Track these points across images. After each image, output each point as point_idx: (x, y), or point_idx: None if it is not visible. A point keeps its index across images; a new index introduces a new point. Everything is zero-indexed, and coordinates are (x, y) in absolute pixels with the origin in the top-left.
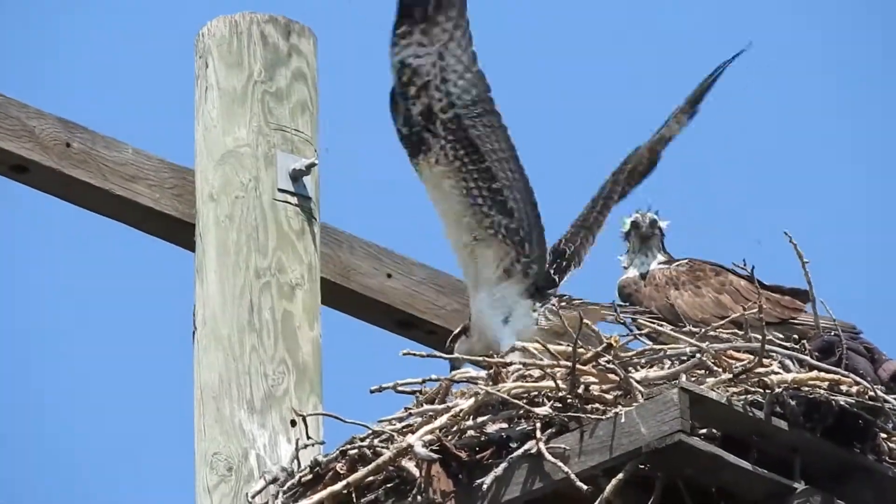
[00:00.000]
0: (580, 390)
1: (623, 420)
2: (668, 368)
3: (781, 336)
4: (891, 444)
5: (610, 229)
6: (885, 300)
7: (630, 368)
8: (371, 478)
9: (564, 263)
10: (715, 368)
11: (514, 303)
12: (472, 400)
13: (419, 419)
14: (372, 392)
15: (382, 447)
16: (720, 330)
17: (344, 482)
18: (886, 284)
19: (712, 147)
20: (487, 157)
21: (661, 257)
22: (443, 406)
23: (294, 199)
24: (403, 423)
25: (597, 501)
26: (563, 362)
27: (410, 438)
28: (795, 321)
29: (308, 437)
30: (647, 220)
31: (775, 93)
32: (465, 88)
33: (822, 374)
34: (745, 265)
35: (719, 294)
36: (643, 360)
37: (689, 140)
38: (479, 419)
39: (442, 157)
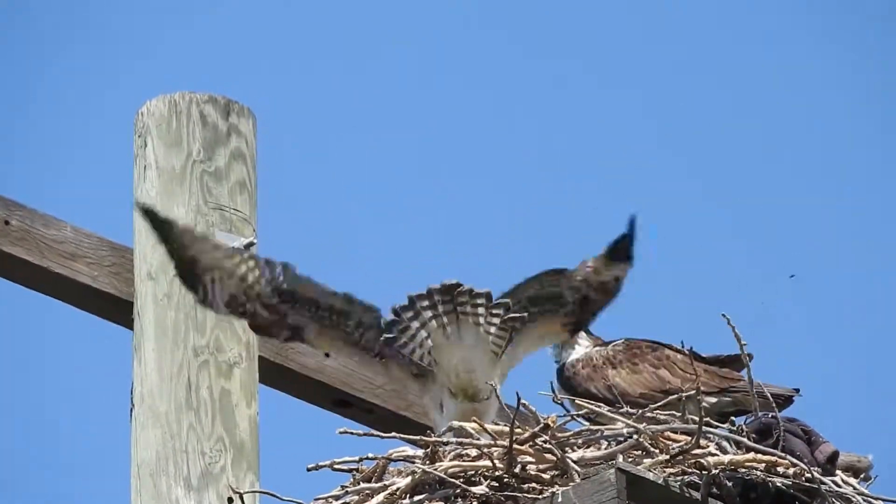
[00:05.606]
0: (517, 470)
1: (560, 500)
2: (605, 449)
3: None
4: None
5: None
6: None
7: (567, 448)
8: None
9: None
10: (652, 449)
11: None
12: (409, 478)
13: (356, 497)
14: (309, 470)
15: None
16: (657, 411)
17: None
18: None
19: None
20: None
21: (585, 343)
22: (379, 484)
23: None
24: (340, 502)
25: None
26: (500, 442)
27: None
28: (734, 389)
29: None
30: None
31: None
32: None
33: (759, 456)
34: (682, 345)
35: (657, 369)
36: (580, 441)
37: None
38: (416, 498)
39: None
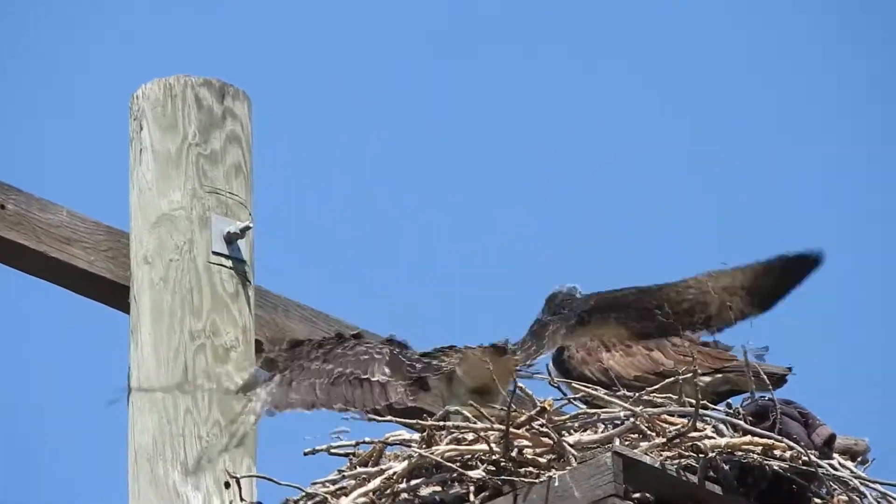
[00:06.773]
0: (514, 453)
1: (556, 484)
2: (602, 432)
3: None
4: None
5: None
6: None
7: (564, 432)
8: None
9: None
10: (649, 432)
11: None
12: (406, 463)
13: (353, 482)
14: (306, 454)
15: None
16: (654, 394)
17: None
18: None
19: None
20: None
21: None
22: (376, 469)
23: (228, 262)
24: (337, 486)
25: None
26: (496, 426)
27: (344, 501)
28: (728, 368)
29: (242, 500)
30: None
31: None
32: None
33: (756, 439)
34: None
35: (651, 351)
36: (577, 424)
37: None
38: (413, 482)
39: None
